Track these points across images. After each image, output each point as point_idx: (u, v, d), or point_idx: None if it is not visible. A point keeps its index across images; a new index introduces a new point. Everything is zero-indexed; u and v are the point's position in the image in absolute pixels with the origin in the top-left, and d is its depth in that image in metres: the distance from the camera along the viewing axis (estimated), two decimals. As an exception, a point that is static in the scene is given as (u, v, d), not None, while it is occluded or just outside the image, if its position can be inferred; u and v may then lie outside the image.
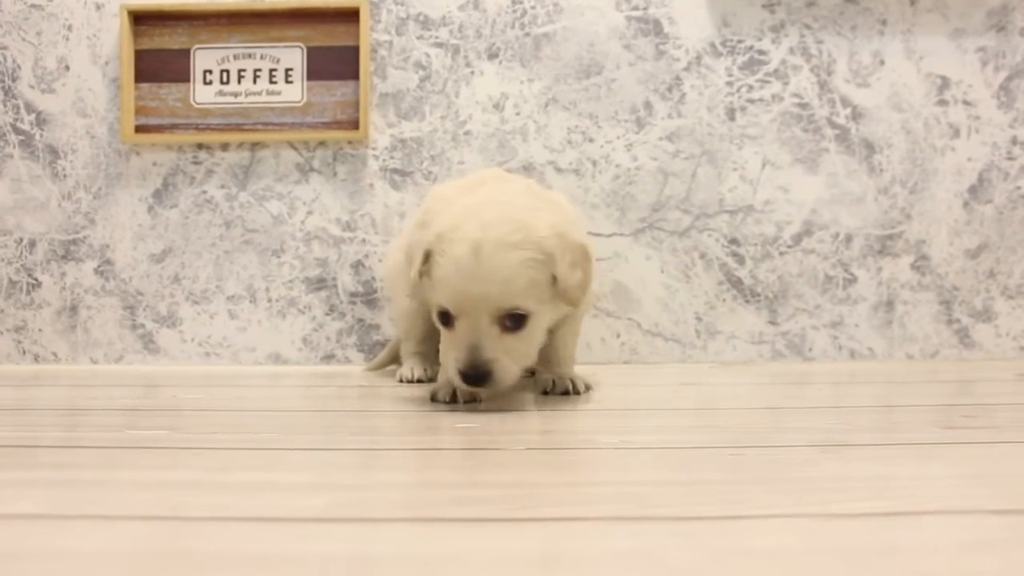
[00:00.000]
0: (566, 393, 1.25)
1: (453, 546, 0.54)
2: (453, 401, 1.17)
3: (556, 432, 0.97)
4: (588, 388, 1.29)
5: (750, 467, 0.76)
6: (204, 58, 1.77)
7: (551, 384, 1.27)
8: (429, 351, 1.41)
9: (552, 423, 1.03)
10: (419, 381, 1.44)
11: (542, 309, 1.11)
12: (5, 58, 1.78)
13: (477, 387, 1.10)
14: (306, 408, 1.16)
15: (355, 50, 1.75)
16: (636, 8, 1.76)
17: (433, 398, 1.19)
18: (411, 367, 1.47)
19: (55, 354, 1.77)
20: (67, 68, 1.78)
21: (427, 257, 1.12)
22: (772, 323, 1.75)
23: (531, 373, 1.44)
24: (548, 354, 1.29)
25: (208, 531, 0.57)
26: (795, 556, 0.52)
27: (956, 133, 1.76)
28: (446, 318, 1.11)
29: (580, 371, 1.33)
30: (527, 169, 1.75)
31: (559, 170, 1.75)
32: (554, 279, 1.11)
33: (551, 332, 1.27)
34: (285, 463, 0.79)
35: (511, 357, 1.10)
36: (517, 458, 0.80)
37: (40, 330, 1.78)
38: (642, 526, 0.58)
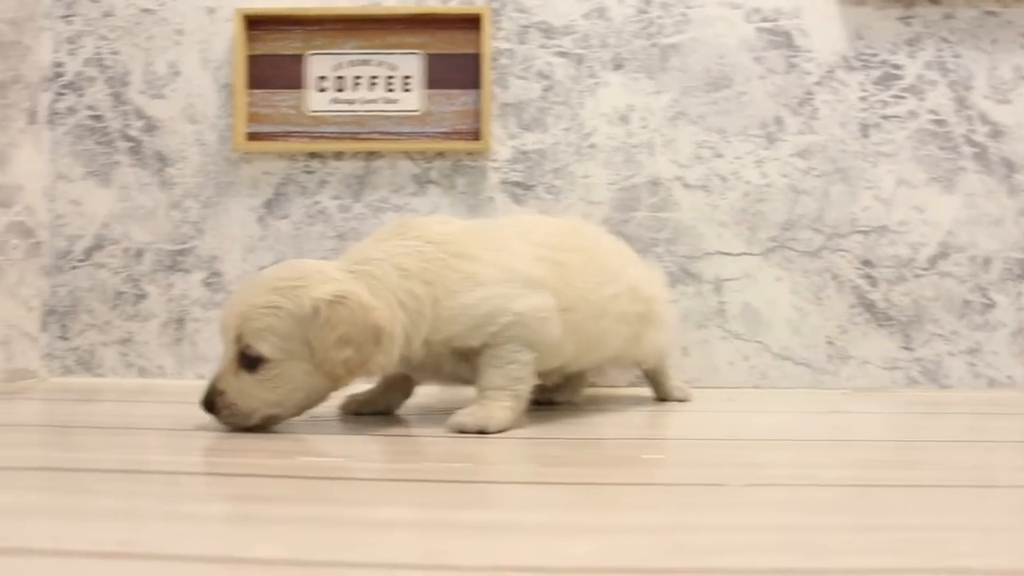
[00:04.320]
0: (481, 431, 1.11)
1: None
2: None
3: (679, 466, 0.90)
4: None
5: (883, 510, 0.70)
6: (318, 64, 1.71)
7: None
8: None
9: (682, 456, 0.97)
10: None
11: (289, 363, 1.07)
12: (116, 63, 1.72)
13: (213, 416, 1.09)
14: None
15: (476, 58, 1.69)
16: (767, 20, 1.70)
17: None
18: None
19: (161, 368, 1.72)
20: (177, 73, 1.73)
21: None
22: (907, 348, 1.68)
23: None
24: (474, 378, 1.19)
25: None
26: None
27: (1102, 153, 1.69)
28: None
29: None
30: (654, 185, 1.68)
31: (687, 186, 1.69)
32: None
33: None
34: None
35: (244, 397, 1.07)
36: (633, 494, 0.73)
37: (146, 343, 1.72)
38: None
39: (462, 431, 1.10)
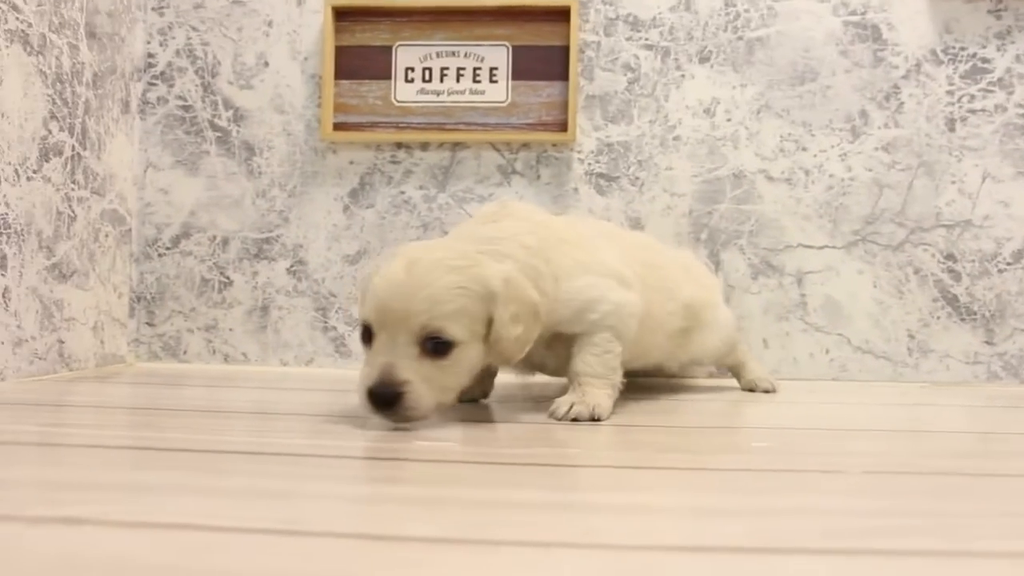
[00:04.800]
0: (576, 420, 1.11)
1: None
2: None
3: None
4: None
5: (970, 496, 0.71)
6: (406, 55, 1.73)
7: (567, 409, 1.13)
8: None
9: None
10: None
11: (471, 345, 1.03)
12: (206, 54, 1.75)
13: (385, 412, 0.99)
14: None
15: (563, 50, 1.70)
16: (854, 13, 1.70)
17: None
18: None
19: (245, 354, 1.75)
20: (266, 64, 1.75)
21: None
22: (989, 343, 1.67)
23: None
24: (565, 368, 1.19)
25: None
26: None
27: None
28: (367, 334, 1.03)
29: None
30: (737, 177, 1.69)
31: (771, 179, 1.69)
32: (491, 323, 1.04)
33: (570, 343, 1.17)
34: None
35: (428, 386, 1.00)
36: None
37: (231, 330, 1.75)
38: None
39: (575, 419, 1.10)
